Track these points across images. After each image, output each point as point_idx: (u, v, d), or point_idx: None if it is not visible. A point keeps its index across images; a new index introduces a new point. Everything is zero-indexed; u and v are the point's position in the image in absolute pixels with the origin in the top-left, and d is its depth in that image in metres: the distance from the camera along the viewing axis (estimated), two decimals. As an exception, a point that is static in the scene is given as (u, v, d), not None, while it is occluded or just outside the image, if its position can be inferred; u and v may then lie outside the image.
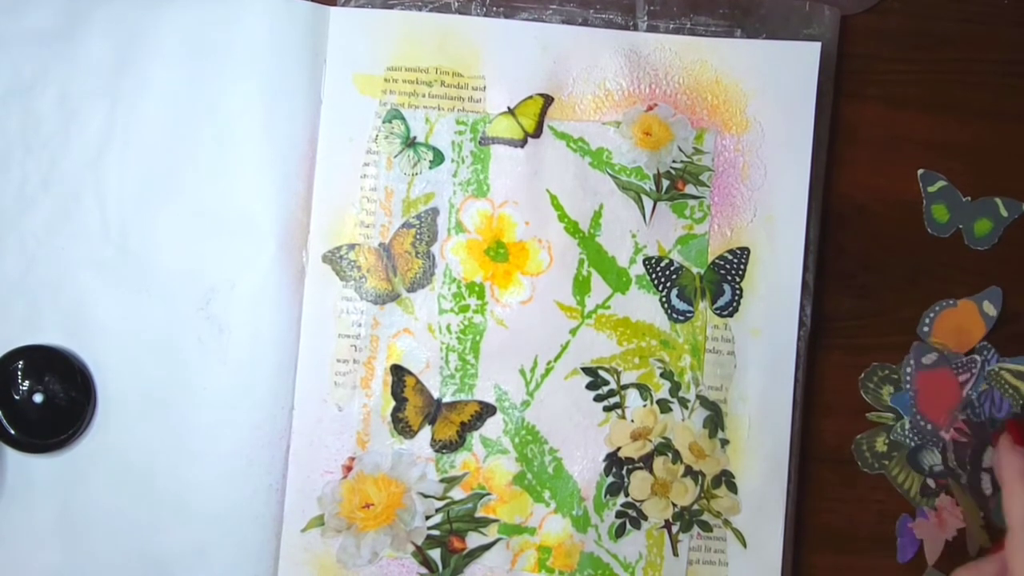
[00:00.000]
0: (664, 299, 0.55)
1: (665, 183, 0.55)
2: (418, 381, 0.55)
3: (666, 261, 0.55)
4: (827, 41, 0.56)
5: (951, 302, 0.56)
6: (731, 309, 0.55)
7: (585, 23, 0.56)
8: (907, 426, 0.55)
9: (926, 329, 0.56)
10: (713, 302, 0.55)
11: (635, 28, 0.56)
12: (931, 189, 0.57)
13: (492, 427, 0.55)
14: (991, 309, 0.56)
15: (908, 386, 0.56)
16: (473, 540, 0.54)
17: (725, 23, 0.56)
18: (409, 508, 0.54)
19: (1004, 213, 0.57)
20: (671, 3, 0.56)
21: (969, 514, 0.55)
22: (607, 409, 0.55)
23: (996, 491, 0.55)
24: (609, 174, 0.55)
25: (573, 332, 0.55)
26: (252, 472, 0.53)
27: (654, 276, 0.55)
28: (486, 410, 0.55)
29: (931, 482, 0.56)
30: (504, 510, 0.54)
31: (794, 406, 0.55)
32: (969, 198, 0.57)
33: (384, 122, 0.55)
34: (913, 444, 0.55)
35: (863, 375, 0.56)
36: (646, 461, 0.55)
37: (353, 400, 0.54)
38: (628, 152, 0.55)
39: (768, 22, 0.56)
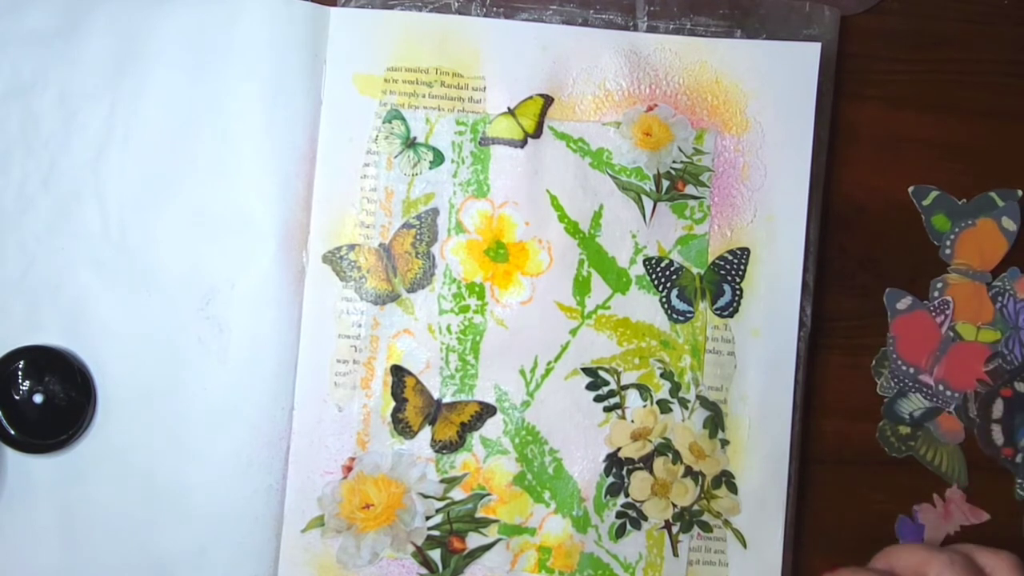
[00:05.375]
0: (664, 299, 0.55)
1: (665, 183, 0.55)
2: (418, 381, 0.55)
3: (666, 261, 0.55)
4: (827, 41, 0.56)
5: (970, 222, 0.56)
6: (731, 309, 0.55)
7: (585, 23, 0.56)
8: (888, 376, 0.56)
9: (948, 252, 0.56)
10: (713, 302, 0.55)
11: (635, 28, 0.56)
12: (925, 203, 0.56)
13: (492, 427, 0.55)
14: (1010, 224, 0.56)
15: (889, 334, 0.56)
16: (473, 540, 0.54)
17: (725, 23, 0.56)
18: (409, 508, 0.54)
19: (1001, 203, 0.57)
20: (671, 3, 0.56)
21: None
22: (607, 409, 0.55)
23: (1006, 442, 0.55)
24: (609, 174, 0.55)
25: (573, 332, 0.55)
26: (252, 472, 0.53)
27: (654, 276, 0.55)
28: (486, 410, 0.55)
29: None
30: (504, 510, 0.54)
31: (794, 406, 0.55)
32: (964, 200, 0.57)
33: (384, 122, 0.55)
34: (893, 392, 0.56)
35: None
36: (646, 461, 0.55)
37: (353, 400, 0.54)
38: (628, 152, 0.55)
39: (768, 22, 0.56)
